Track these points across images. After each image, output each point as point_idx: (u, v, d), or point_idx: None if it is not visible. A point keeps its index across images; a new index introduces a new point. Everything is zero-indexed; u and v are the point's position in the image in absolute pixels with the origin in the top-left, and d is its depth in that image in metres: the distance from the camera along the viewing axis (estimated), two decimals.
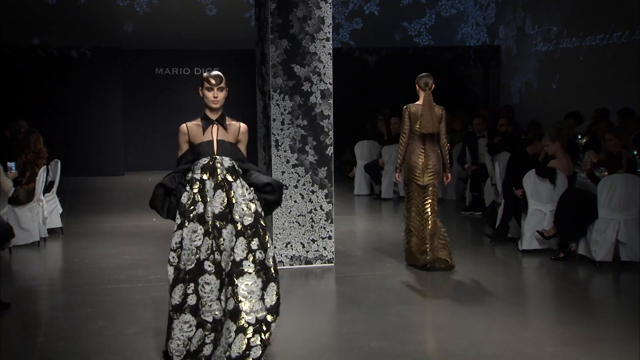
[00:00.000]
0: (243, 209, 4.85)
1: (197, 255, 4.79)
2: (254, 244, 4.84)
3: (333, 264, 7.87)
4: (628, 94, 12.03)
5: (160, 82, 16.77)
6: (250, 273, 4.80)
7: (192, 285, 4.79)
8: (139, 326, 5.97)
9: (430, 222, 7.61)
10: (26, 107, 14.84)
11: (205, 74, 5.01)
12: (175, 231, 4.88)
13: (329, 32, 7.74)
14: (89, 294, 6.98)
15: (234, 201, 4.84)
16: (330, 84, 7.79)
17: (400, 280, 7.36)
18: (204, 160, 4.90)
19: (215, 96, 4.92)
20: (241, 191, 4.90)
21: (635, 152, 8.55)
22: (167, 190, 4.94)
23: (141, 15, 16.85)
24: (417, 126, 7.66)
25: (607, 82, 12.92)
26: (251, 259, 4.82)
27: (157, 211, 4.99)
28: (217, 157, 4.92)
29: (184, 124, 5.03)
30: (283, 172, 7.76)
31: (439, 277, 7.50)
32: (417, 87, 7.79)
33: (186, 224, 4.83)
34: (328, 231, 7.87)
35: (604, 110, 11.16)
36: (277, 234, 7.75)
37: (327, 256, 7.88)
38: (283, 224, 7.77)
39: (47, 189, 9.40)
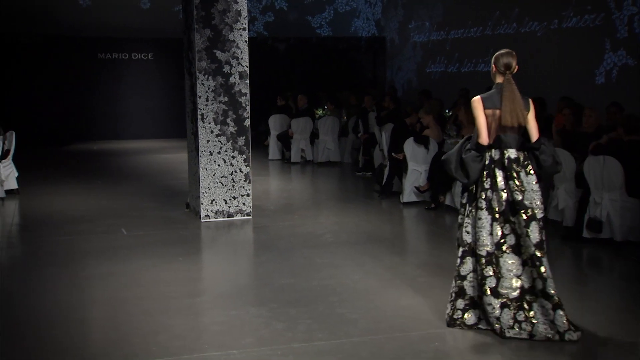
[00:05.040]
0: None
1: None
2: None
3: (251, 217, 7.82)
4: (484, 77, 12.39)
5: (102, 65, 16.17)
6: None
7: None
8: (87, 271, 5.79)
9: None
10: None
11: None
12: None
13: (245, 23, 7.59)
14: (43, 245, 6.72)
15: None
16: (246, 66, 7.65)
17: (306, 229, 7.39)
18: None
19: None
20: None
21: None
22: None
23: (84, 7, 16.10)
24: None
25: (465, 65, 13.36)
26: None
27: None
28: None
29: None
30: (208, 141, 7.61)
31: (337, 225, 7.58)
32: None
33: None
34: (246, 190, 7.81)
35: (465, 90, 11.45)
36: (203, 193, 7.63)
37: (245, 210, 7.82)
38: (208, 184, 7.66)
39: (4, 155, 8.96)
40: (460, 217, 4.44)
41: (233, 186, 7.75)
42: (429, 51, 15.00)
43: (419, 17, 15.44)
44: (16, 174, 9.24)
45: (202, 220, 7.62)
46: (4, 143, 8.88)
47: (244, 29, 7.60)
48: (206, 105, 7.57)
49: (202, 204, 7.63)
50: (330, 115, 12.67)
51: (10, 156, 9.11)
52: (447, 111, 10.96)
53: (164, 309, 4.84)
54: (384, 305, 4.90)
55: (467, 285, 4.38)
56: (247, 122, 7.75)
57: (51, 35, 15.54)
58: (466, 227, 4.36)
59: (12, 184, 9.13)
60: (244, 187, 7.79)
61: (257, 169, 11.21)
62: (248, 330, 4.47)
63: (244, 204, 7.80)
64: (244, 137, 7.74)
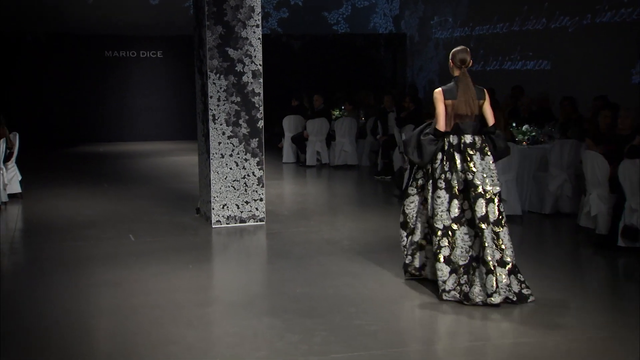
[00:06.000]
0: None
1: None
2: None
3: (264, 222, 7.83)
4: (510, 75, 12.33)
5: (109, 64, 16.31)
6: None
7: None
8: (93, 279, 5.82)
9: None
10: None
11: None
12: None
13: (258, 19, 7.61)
14: (47, 251, 6.77)
15: None
16: (260, 65, 7.67)
17: (322, 236, 7.38)
18: None
19: None
20: None
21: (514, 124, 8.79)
22: None
23: (90, 3, 16.25)
24: None
25: (490, 63, 13.28)
26: None
27: None
28: None
29: None
30: (219, 143, 7.64)
31: (355, 231, 7.56)
32: None
33: None
34: (259, 194, 7.82)
35: (491, 90, 11.44)
36: (214, 197, 7.65)
37: (259, 216, 7.83)
38: (220, 188, 7.68)
39: (7, 158, 9.03)
40: (410, 189, 5.41)
41: (245, 190, 7.76)
42: (452, 48, 14.93)
43: (441, 13, 15.41)
44: (19, 177, 9.32)
45: (213, 226, 7.64)
46: (7, 145, 8.96)
47: (257, 26, 7.62)
48: (217, 105, 7.60)
49: (213, 209, 7.65)
50: (348, 116, 12.67)
51: (13, 159, 9.19)
52: None
53: (173, 319, 4.85)
54: (405, 316, 4.87)
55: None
56: (261, 124, 7.76)
57: (56, 33, 15.70)
58: (413, 202, 5.39)
59: (16, 188, 9.22)
60: (257, 191, 7.80)
61: (271, 173, 11.23)
62: (261, 342, 4.46)
63: (257, 209, 7.81)
64: (257, 139, 7.75)
